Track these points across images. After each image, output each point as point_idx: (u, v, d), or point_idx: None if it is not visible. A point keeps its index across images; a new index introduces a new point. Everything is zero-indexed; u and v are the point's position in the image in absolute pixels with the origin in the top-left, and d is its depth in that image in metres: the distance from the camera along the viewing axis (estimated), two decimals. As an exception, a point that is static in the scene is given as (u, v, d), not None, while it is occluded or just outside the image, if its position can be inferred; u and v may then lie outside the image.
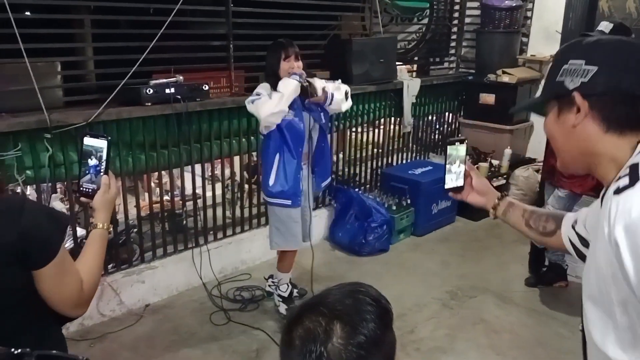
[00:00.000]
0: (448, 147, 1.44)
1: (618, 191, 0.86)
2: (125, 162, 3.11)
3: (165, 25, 3.07)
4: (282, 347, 0.87)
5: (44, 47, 2.87)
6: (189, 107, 3.20)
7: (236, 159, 3.80)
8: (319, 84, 2.93)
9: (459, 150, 1.44)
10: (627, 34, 3.19)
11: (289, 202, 2.96)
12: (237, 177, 3.88)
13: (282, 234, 3.04)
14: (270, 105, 2.74)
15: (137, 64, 3.01)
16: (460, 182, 1.45)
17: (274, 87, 2.83)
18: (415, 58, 5.35)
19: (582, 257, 1.22)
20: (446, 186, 1.45)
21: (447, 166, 1.44)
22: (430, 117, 5.35)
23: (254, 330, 3.09)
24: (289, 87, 2.77)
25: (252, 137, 3.72)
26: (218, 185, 3.99)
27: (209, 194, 3.96)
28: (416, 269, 3.92)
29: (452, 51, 5.58)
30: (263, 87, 2.87)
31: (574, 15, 3.80)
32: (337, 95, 2.97)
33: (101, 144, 1.40)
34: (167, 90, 3.09)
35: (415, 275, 3.81)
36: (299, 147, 2.92)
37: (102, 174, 1.40)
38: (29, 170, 2.77)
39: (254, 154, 3.83)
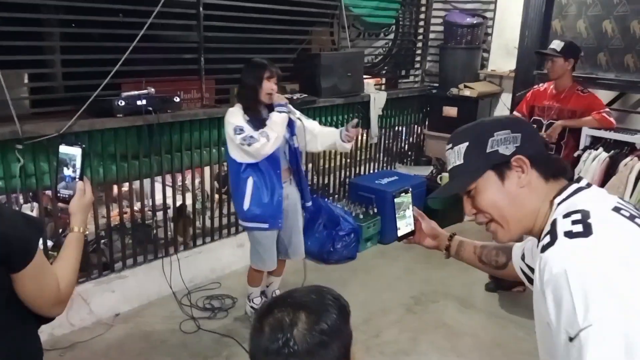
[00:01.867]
0: (395, 199, 1.53)
1: (543, 249, 0.99)
2: (97, 172, 3.15)
3: (138, 38, 3.14)
4: (252, 335, 0.96)
5: (11, 59, 2.87)
6: (161, 119, 3.26)
7: (206, 169, 3.87)
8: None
9: (405, 199, 1.55)
10: (577, 51, 3.42)
11: (266, 225, 2.95)
12: (207, 187, 3.95)
13: (260, 254, 3.06)
14: (269, 147, 2.75)
15: (110, 76, 3.07)
16: (411, 227, 1.55)
17: (250, 106, 2.83)
18: (383, 72, 5.52)
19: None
20: (399, 233, 1.54)
21: (397, 215, 1.53)
22: (396, 129, 5.52)
23: (224, 338, 3.16)
24: (283, 124, 2.80)
25: (222, 148, 3.80)
26: (188, 195, 4.04)
27: (179, 203, 4.00)
28: (382, 275, 4.05)
29: (417, 65, 5.78)
30: (237, 115, 2.82)
31: (530, 33, 4.03)
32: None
33: (75, 151, 1.47)
34: (139, 102, 3.15)
35: (381, 282, 3.94)
36: (277, 168, 2.92)
37: (77, 180, 1.47)
38: (-1, 181, 2.80)
39: (225, 164, 3.91)
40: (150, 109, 3.18)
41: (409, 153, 5.78)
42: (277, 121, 2.79)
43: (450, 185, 1.18)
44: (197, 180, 3.96)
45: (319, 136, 3.08)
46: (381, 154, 5.42)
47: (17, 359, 1.33)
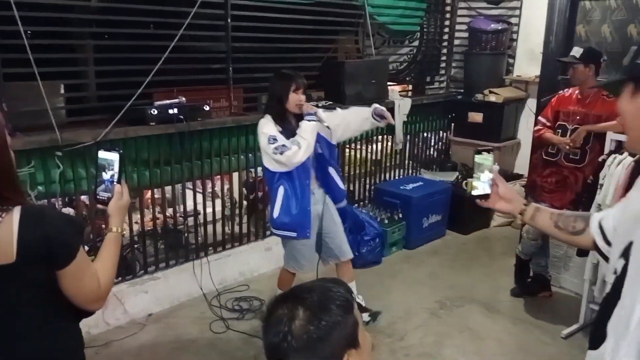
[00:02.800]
0: (476, 156, 1.53)
1: None
2: (131, 178, 3.28)
3: (169, 49, 3.28)
4: (262, 331, 1.05)
5: (49, 71, 3.00)
6: (191, 127, 3.39)
7: (235, 176, 3.98)
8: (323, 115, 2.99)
9: (486, 161, 1.53)
10: (598, 56, 3.42)
11: (294, 234, 2.98)
12: (236, 194, 4.06)
13: (296, 258, 3.10)
14: (301, 155, 2.79)
15: (142, 86, 3.20)
16: (487, 190, 1.53)
17: (279, 116, 2.87)
18: (407, 78, 5.58)
19: (601, 254, 1.35)
20: (474, 193, 1.54)
21: (475, 174, 1.53)
22: (421, 135, 5.56)
23: (252, 338, 3.25)
24: (313, 132, 2.84)
25: (250, 155, 3.91)
26: (218, 202, 4.16)
27: (209, 210, 4.09)
28: (407, 280, 4.09)
29: (443, 72, 5.81)
30: (269, 125, 2.86)
31: (554, 39, 4.03)
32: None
33: (114, 157, 1.57)
34: (170, 111, 3.29)
35: (406, 286, 3.97)
36: (306, 178, 2.96)
37: (115, 183, 1.57)
38: (40, 186, 2.95)
39: (252, 170, 4.02)
40: (181, 117, 3.31)
41: (435, 159, 5.80)
42: (306, 129, 2.82)
43: (607, 79, 1.26)
44: (225, 187, 4.08)
45: (342, 125, 3.11)
46: (406, 160, 5.46)
47: (54, 353, 1.43)
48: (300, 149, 2.79)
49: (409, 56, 5.69)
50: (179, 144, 3.43)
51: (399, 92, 5.19)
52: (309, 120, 2.85)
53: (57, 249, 1.32)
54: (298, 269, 3.15)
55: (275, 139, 2.81)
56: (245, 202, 4.19)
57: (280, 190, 2.94)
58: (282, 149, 2.79)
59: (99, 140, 3.00)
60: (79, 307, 1.43)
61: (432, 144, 5.75)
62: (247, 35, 3.84)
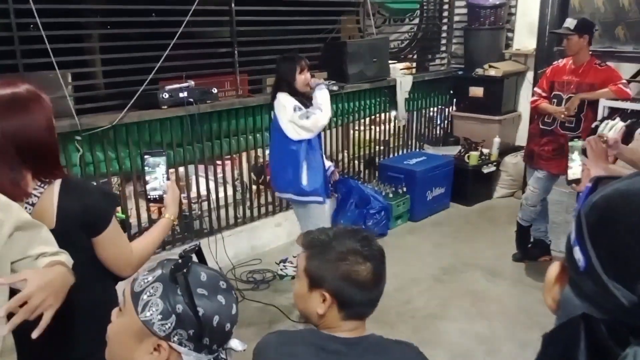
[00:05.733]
0: (569, 142, 1.70)
1: None
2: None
3: (177, 36, 3.43)
4: (325, 254, 1.27)
5: (58, 61, 3.14)
6: (201, 109, 3.55)
7: (244, 161, 4.15)
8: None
9: (576, 145, 1.68)
10: (591, 26, 3.53)
11: (321, 198, 3.22)
12: (246, 178, 4.23)
13: (319, 225, 3.29)
14: (325, 118, 3.12)
15: (153, 72, 3.36)
16: (576, 175, 1.68)
17: (293, 93, 3.11)
18: (409, 56, 5.69)
19: None
20: (568, 178, 1.69)
21: (570, 160, 1.68)
22: (424, 111, 5.69)
23: (267, 306, 3.45)
24: (328, 99, 3.15)
25: (257, 135, 4.07)
26: (228, 187, 4.30)
27: (221, 195, 4.15)
28: (412, 250, 4.26)
29: (443, 48, 5.91)
30: (289, 97, 3.10)
31: (550, 11, 4.13)
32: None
33: (161, 159, 1.77)
34: (181, 94, 3.45)
35: (412, 255, 4.15)
36: (321, 148, 3.27)
37: (166, 180, 1.77)
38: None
39: (260, 155, 4.18)
40: (191, 100, 3.47)
41: (438, 134, 5.93)
42: (322, 96, 3.12)
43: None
44: (235, 172, 4.24)
45: None
46: (409, 136, 5.60)
47: (99, 307, 1.62)
48: (322, 112, 3.07)
49: (409, 34, 5.79)
50: (190, 126, 3.60)
51: (402, 70, 5.31)
52: (320, 90, 3.14)
53: (92, 217, 1.49)
54: None
55: (300, 108, 3.08)
56: (254, 187, 4.38)
57: (305, 160, 3.17)
58: (308, 114, 3.06)
59: (115, 124, 3.18)
60: (111, 271, 1.61)
61: (435, 119, 5.88)
62: (251, 20, 3.97)
